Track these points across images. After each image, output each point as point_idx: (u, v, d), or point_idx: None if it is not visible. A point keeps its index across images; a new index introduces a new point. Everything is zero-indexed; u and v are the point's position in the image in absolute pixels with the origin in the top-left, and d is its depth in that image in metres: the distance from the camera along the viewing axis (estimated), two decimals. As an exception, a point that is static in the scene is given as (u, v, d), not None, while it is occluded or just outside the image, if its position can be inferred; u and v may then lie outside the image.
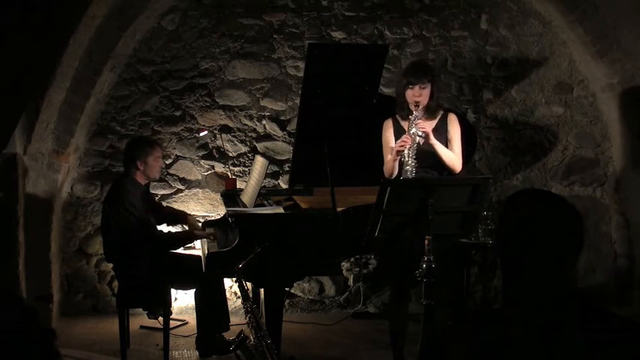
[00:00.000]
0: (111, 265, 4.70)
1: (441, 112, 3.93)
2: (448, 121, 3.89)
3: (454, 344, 1.64)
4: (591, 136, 5.68)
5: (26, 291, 4.52)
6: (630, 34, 5.03)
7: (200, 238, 4.43)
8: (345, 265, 5.47)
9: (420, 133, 3.73)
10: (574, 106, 5.67)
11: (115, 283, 4.99)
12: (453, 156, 3.82)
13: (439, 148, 3.79)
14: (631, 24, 5.01)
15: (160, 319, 4.40)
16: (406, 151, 3.72)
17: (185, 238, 4.57)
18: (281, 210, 4.03)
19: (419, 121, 3.75)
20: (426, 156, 3.80)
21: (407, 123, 3.83)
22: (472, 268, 5.09)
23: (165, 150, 5.16)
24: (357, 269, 5.61)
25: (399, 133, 3.88)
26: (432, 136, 3.76)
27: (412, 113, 3.78)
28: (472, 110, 5.57)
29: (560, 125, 5.67)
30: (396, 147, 3.77)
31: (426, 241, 3.23)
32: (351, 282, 5.63)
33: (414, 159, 3.72)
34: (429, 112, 3.87)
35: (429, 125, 3.84)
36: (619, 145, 5.53)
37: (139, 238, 4.24)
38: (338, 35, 5.53)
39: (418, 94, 3.80)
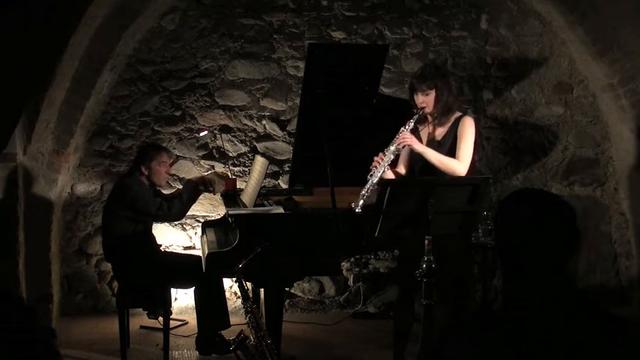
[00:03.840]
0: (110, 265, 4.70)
1: (455, 117, 3.76)
2: (460, 124, 3.71)
3: (454, 344, 1.64)
4: (591, 136, 5.68)
5: (26, 291, 4.52)
6: (630, 34, 5.03)
7: (198, 185, 4.52)
8: (345, 265, 5.48)
9: (399, 149, 3.67)
10: (574, 106, 5.67)
11: (115, 283, 4.99)
12: (447, 161, 3.63)
13: (429, 154, 3.65)
14: (631, 24, 5.01)
15: (160, 319, 4.40)
16: (375, 171, 3.60)
17: (191, 190, 4.51)
18: (281, 210, 4.03)
19: (405, 133, 3.65)
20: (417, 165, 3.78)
21: (422, 125, 3.80)
22: (472, 268, 5.08)
23: (172, 157, 5.01)
24: (357, 269, 5.61)
25: (412, 134, 3.84)
26: (415, 145, 3.65)
27: (409, 124, 3.69)
28: (472, 110, 5.56)
29: (560, 125, 5.67)
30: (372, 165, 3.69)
31: (426, 241, 3.23)
32: (351, 282, 5.63)
33: (378, 178, 3.58)
34: (437, 119, 3.76)
35: (440, 132, 3.76)
36: (619, 145, 5.52)
37: (153, 217, 4.40)
38: (338, 35, 5.53)
39: (421, 101, 3.71)
